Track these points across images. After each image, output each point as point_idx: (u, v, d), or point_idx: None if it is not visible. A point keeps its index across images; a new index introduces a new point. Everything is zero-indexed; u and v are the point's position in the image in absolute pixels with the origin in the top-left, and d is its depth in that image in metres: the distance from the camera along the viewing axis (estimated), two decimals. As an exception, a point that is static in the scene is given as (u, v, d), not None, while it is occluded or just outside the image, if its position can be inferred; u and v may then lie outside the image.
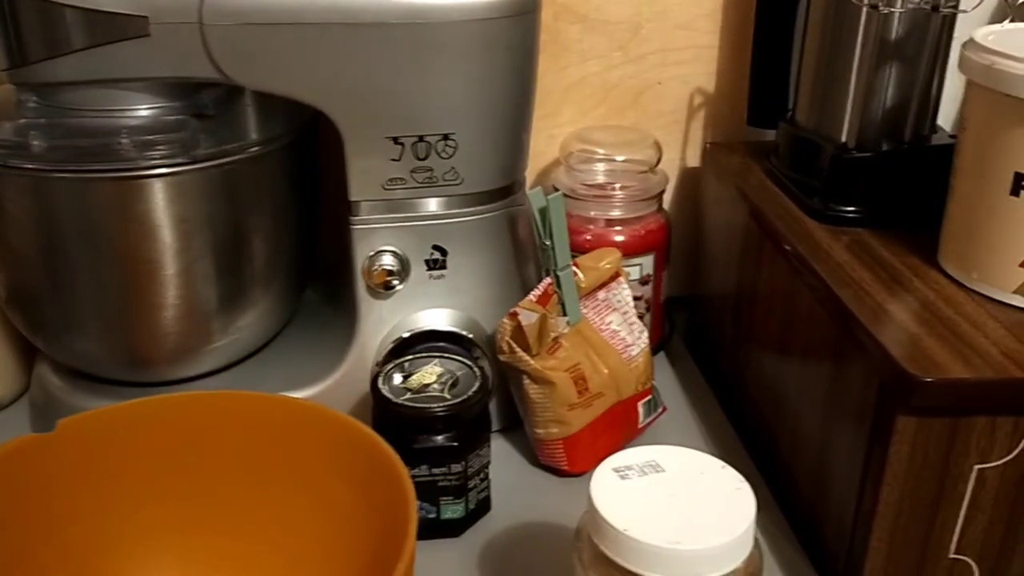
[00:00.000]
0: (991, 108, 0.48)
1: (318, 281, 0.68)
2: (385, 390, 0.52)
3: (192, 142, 0.51)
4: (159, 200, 0.52)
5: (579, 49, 0.70)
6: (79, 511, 0.44)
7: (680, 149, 0.74)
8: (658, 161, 0.67)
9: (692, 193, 0.74)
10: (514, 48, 0.54)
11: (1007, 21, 0.53)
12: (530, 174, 0.69)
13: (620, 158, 0.66)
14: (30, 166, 0.50)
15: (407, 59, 0.51)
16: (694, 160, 0.74)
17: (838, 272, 0.51)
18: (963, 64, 0.49)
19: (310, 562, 0.44)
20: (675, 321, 0.73)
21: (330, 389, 0.59)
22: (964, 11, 0.56)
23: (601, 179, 0.67)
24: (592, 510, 0.36)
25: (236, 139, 0.54)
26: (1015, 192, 0.47)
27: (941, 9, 0.54)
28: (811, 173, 0.60)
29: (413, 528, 0.37)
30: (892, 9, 0.55)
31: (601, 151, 0.67)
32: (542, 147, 0.71)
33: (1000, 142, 0.47)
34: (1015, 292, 0.48)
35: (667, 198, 0.72)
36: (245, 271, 0.57)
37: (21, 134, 0.50)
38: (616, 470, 0.38)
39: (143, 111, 0.53)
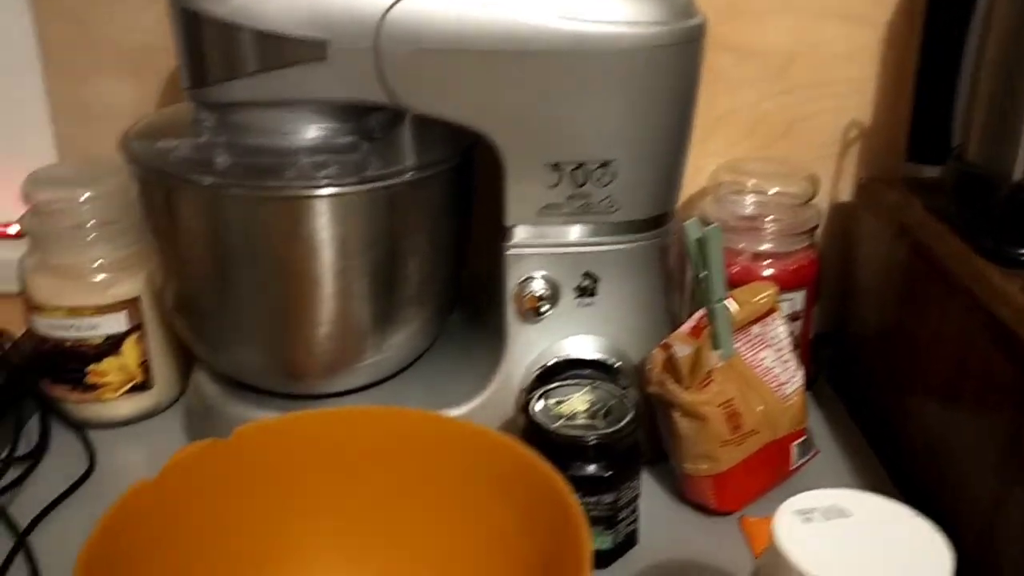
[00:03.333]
0: None
1: (461, 303, 0.68)
2: (538, 415, 0.51)
3: (364, 164, 0.52)
4: (326, 219, 0.53)
5: (731, 79, 0.69)
6: (247, 516, 0.45)
7: (831, 183, 0.72)
8: (813, 195, 0.65)
9: (842, 228, 0.72)
10: (678, 76, 0.54)
11: None
12: (676, 204, 0.69)
13: (772, 190, 0.65)
14: (209, 181, 0.52)
15: (574, 86, 0.52)
16: (846, 195, 0.72)
17: (1022, 316, 0.49)
18: None
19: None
20: (821, 360, 0.71)
21: (474, 412, 0.59)
22: None
23: (751, 211, 0.65)
24: (776, 552, 0.35)
25: (399, 162, 0.56)
26: None
27: None
28: (982, 211, 0.57)
29: (587, 560, 0.36)
30: (1083, 43, 0.52)
31: (753, 183, 0.65)
32: (688, 176, 0.70)
33: None
34: None
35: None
36: (400, 291, 0.58)
37: (204, 151, 0.52)
38: (799, 512, 0.37)
39: (312, 132, 0.55)
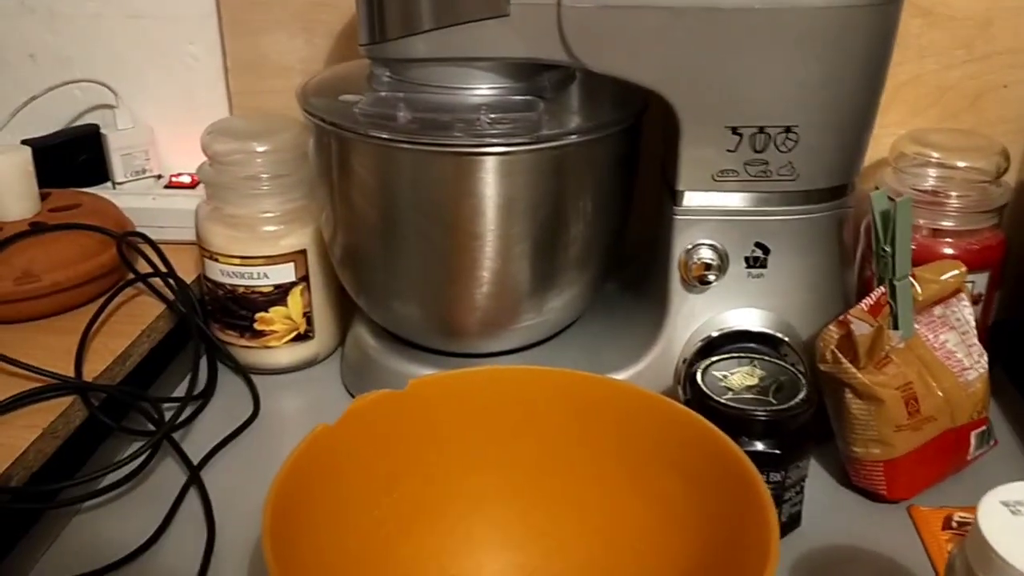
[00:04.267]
0: None
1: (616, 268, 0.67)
2: (706, 386, 0.50)
3: (539, 123, 0.52)
4: (496, 177, 0.53)
5: (917, 45, 0.65)
6: (418, 469, 0.45)
7: (1019, 160, 0.67)
8: (1003, 171, 0.61)
9: (1029, 208, 0.67)
10: (873, 39, 0.51)
11: None
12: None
13: (960, 164, 0.61)
14: (387, 136, 0.52)
15: (762, 46, 0.49)
16: (1035, 173, 0.67)
17: None
18: None
19: (631, 551, 0.44)
20: (998, 347, 0.67)
21: (632, 379, 0.58)
22: None
23: (933, 184, 0.62)
24: (983, 545, 0.33)
25: (569, 123, 0.55)
26: None
27: None
28: None
29: (775, 539, 0.35)
30: None
31: (937, 155, 0.61)
32: (864, 147, 0.67)
33: None
34: None
35: (1000, 212, 0.65)
36: (562, 254, 0.57)
37: (385, 105, 0.52)
38: (1005, 504, 0.35)
39: (485, 90, 0.55)
